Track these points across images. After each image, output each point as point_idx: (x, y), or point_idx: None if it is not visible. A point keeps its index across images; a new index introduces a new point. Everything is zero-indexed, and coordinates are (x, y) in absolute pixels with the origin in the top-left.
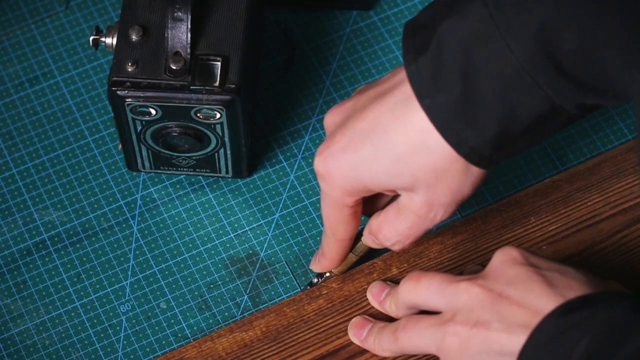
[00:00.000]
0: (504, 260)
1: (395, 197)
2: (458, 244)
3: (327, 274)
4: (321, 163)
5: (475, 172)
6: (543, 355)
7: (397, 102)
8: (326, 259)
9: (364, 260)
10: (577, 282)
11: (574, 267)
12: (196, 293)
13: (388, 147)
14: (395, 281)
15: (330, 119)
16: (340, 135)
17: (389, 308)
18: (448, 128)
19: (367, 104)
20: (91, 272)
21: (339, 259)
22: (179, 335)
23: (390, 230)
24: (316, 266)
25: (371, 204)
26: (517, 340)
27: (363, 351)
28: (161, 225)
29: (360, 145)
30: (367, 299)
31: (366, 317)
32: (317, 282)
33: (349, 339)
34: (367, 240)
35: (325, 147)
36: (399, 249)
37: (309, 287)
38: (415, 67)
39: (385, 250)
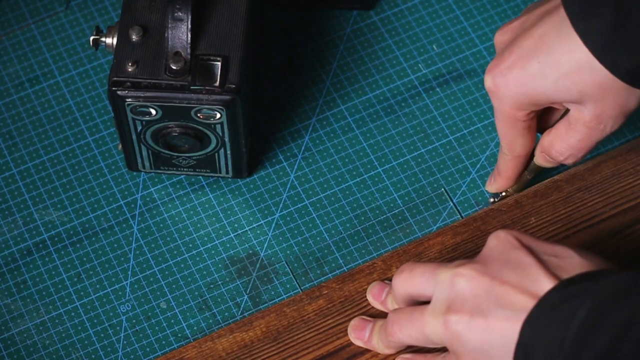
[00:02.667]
0: (498, 244)
1: (565, 113)
2: (458, 245)
3: (503, 194)
4: (490, 80)
5: None
6: (546, 322)
7: (562, 20)
8: (502, 178)
9: (534, 182)
10: (573, 264)
11: (571, 247)
12: (196, 293)
13: (553, 65)
14: None
15: (500, 37)
16: (508, 53)
17: (391, 306)
18: (602, 51)
19: (534, 22)
20: (91, 272)
21: (515, 177)
22: (179, 335)
23: (562, 145)
24: (492, 186)
25: (541, 122)
26: (517, 325)
27: (364, 351)
28: (161, 225)
29: (527, 63)
30: (367, 299)
31: (364, 317)
32: (494, 201)
33: (349, 339)
34: (540, 159)
35: (494, 65)
36: (572, 163)
37: (485, 207)
38: None
39: (386, 249)
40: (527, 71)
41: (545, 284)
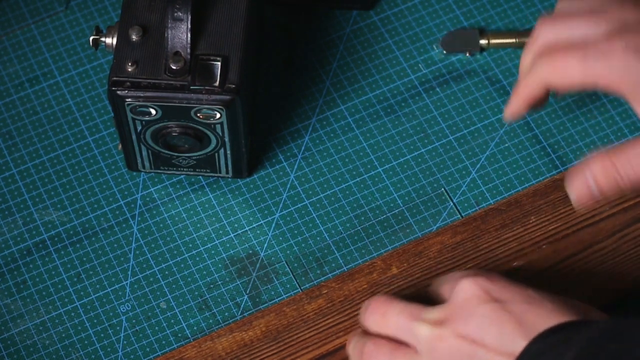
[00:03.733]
0: (467, 298)
1: None
2: (458, 244)
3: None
4: None
5: None
6: None
7: None
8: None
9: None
10: (546, 312)
11: (537, 291)
12: (196, 293)
13: None
14: (394, 280)
15: None
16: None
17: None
18: None
19: None
20: (91, 272)
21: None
22: (179, 335)
23: None
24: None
25: None
26: None
27: None
28: (161, 225)
29: None
30: (366, 298)
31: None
32: None
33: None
34: None
35: None
36: None
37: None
38: None
39: (386, 249)
40: None
41: (521, 343)
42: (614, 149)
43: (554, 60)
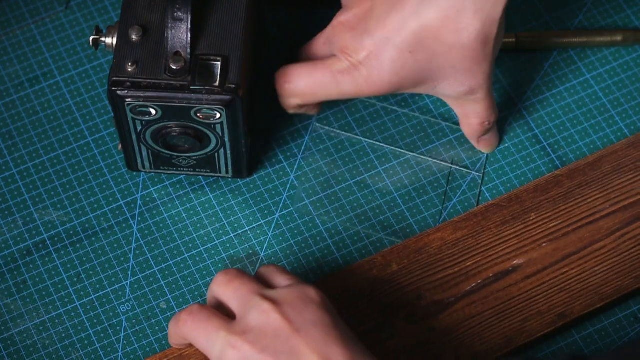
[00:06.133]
0: (305, 291)
1: None
2: (459, 240)
3: None
4: None
5: None
6: None
7: None
8: None
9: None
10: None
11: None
12: (196, 293)
13: None
14: (394, 276)
15: None
16: None
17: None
18: None
19: None
20: (91, 272)
21: None
22: None
23: None
24: None
25: None
26: None
27: None
28: (161, 225)
29: None
30: (366, 298)
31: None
32: None
33: None
34: None
35: None
36: None
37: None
38: None
39: (384, 246)
40: None
41: (340, 354)
42: None
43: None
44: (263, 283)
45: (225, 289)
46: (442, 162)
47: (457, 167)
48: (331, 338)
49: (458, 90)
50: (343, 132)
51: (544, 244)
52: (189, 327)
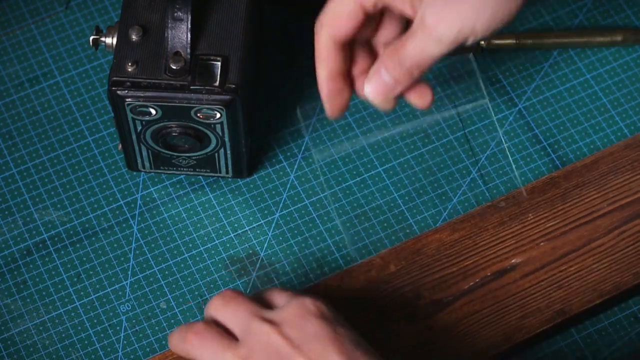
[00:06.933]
0: (302, 308)
1: None
2: (456, 241)
3: None
4: None
5: None
6: None
7: None
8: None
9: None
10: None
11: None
12: (196, 293)
13: None
14: (392, 277)
15: None
16: None
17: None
18: None
19: None
20: (91, 272)
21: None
22: None
23: None
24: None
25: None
26: None
27: None
28: (161, 225)
29: None
30: (362, 298)
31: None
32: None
33: None
34: None
35: None
36: None
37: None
38: None
39: (383, 246)
40: None
41: None
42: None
43: None
44: (261, 302)
45: (224, 312)
46: (441, 163)
47: (457, 167)
48: (331, 348)
49: None
50: (343, 133)
51: (542, 243)
52: (196, 346)
